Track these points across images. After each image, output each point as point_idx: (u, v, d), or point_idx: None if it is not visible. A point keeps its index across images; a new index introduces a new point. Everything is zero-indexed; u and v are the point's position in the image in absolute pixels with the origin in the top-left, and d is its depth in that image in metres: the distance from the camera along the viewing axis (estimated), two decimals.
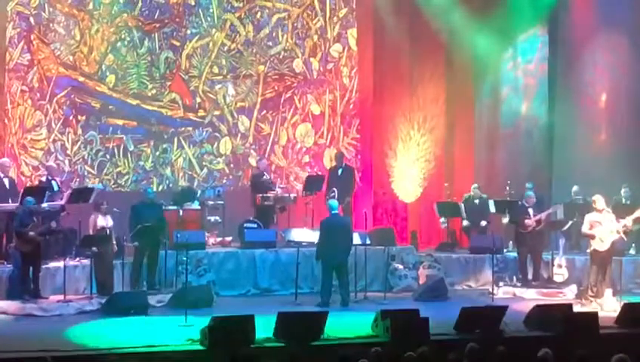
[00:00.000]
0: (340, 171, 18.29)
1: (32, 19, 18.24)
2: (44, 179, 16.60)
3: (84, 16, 18.59)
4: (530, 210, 16.55)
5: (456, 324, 12.35)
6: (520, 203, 16.87)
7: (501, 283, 16.41)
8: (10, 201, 15.34)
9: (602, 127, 19.27)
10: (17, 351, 11.08)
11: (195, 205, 17.28)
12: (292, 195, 17.64)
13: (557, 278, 16.48)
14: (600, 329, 12.46)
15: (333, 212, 15.30)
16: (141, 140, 19.01)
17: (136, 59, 18.94)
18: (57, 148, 18.40)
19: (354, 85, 19.87)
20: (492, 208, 17.98)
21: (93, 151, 18.68)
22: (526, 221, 16.44)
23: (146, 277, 15.60)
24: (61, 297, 14.39)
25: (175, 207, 16.95)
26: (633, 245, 17.25)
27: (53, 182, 16.19)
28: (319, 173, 19.16)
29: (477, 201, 18.14)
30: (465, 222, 18.27)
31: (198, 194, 17.68)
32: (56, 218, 15.17)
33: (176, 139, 19.17)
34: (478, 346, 9.92)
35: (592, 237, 15.05)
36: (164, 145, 19.12)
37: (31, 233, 14.27)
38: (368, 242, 15.98)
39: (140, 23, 18.96)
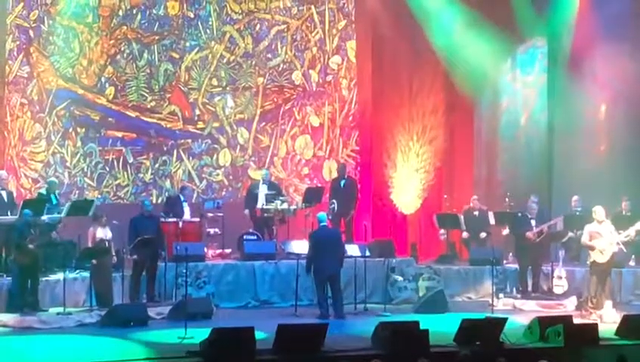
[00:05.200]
0: (342, 183, 18.24)
1: (31, 32, 18.29)
2: (43, 191, 16.59)
3: (84, 29, 18.63)
4: (533, 221, 16.54)
5: (456, 336, 12.33)
6: (522, 214, 16.84)
7: (501, 295, 16.36)
8: (9, 214, 15.34)
9: (602, 139, 19.24)
10: None
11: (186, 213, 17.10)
12: (292, 207, 17.59)
13: (557, 290, 16.44)
14: (600, 341, 12.44)
15: (321, 224, 15.23)
16: (140, 152, 19.03)
17: (136, 72, 18.97)
18: (57, 160, 18.42)
19: (353, 97, 19.87)
20: (492, 220, 17.95)
21: (93, 163, 18.69)
22: (527, 233, 16.43)
23: (145, 289, 15.57)
24: (61, 309, 14.37)
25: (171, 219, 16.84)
26: (633, 256, 17.20)
27: (52, 196, 16.18)
28: (319, 184, 19.15)
29: (476, 213, 18.09)
30: (464, 234, 18.24)
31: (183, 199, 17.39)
32: (55, 230, 15.18)
33: (175, 151, 19.18)
34: (471, 355, 9.91)
35: (592, 248, 15.01)
36: (164, 157, 19.13)
37: (29, 245, 14.27)
38: (368, 254, 15.96)
39: (139, 36, 18.99)
